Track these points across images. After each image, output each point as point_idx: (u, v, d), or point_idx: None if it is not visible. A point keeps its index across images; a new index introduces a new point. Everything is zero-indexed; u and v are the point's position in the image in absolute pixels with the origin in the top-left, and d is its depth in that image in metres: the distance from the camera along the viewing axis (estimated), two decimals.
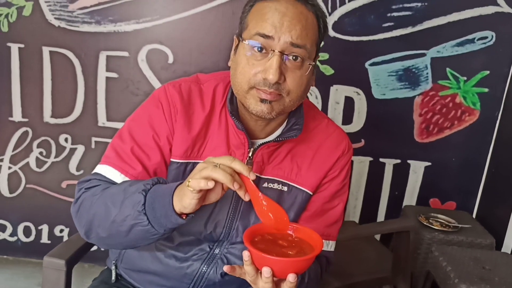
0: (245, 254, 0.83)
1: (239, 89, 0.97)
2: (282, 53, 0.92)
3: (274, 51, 0.92)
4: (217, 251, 1.07)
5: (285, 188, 1.06)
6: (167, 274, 1.07)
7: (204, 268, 1.06)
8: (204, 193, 0.84)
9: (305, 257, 0.81)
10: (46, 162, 2.28)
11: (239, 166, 0.82)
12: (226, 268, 0.88)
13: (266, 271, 0.80)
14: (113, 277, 1.16)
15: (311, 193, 1.09)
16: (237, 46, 1.00)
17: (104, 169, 1.01)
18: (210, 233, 1.04)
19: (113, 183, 0.99)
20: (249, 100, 0.96)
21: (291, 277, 0.80)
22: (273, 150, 1.05)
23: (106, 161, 1.02)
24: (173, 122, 1.02)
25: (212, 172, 0.80)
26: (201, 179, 0.80)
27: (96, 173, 1.02)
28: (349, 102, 2.23)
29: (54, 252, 1.20)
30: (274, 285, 0.83)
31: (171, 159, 1.02)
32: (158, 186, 0.90)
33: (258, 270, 0.83)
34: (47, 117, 2.22)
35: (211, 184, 0.79)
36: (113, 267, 1.17)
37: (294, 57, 0.93)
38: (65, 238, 2.37)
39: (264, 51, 0.93)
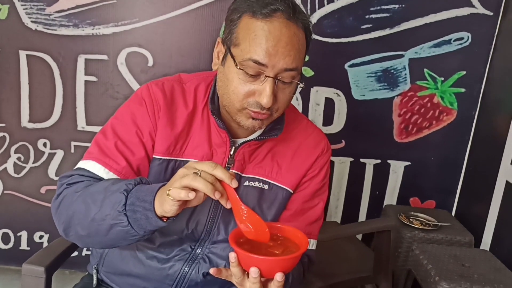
0: (232, 256, 0.82)
1: (230, 106, 0.97)
2: (275, 78, 0.92)
3: (267, 76, 0.91)
4: (198, 250, 1.06)
5: (266, 186, 1.07)
6: (148, 275, 1.06)
7: (186, 269, 1.05)
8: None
9: (292, 255, 0.81)
10: (24, 167, 2.25)
11: (221, 174, 0.81)
12: (212, 271, 0.87)
13: (253, 271, 0.80)
14: (94, 282, 1.15)
15: (291, 191, 1.09)
16: (224, 55, 0.98)
17: (87, 164, 0.99)
18: (191, 231, 1.04)
19: (98, 178, 0.98)
20: (240, 117, 0.97)
21: (279, 276, 0.80)
22: (254, 149, 1.06)
23: (89, 156, 1.00)
24: (156, 119, 1.02)
25: (193, 181, 0.78)
26: (181, 189, 0.78)
27: (79, 168, 1.00)
28: (329, 104, 2.25)
29: (33, 259, 1.17)
30: (261, 285, 0.82)
31: (154, 156, 1.02)
32: (141, 187, 0.88)
33: (245, 271, 0.83)
34: (25, 122, 2.19)
35: (191, 195, 0.78)
36: (94, 272, 1.15)
37: (285, 80, 0.94)
38: (45, 244, 2.33)
39: (256, 74, 0.92)
